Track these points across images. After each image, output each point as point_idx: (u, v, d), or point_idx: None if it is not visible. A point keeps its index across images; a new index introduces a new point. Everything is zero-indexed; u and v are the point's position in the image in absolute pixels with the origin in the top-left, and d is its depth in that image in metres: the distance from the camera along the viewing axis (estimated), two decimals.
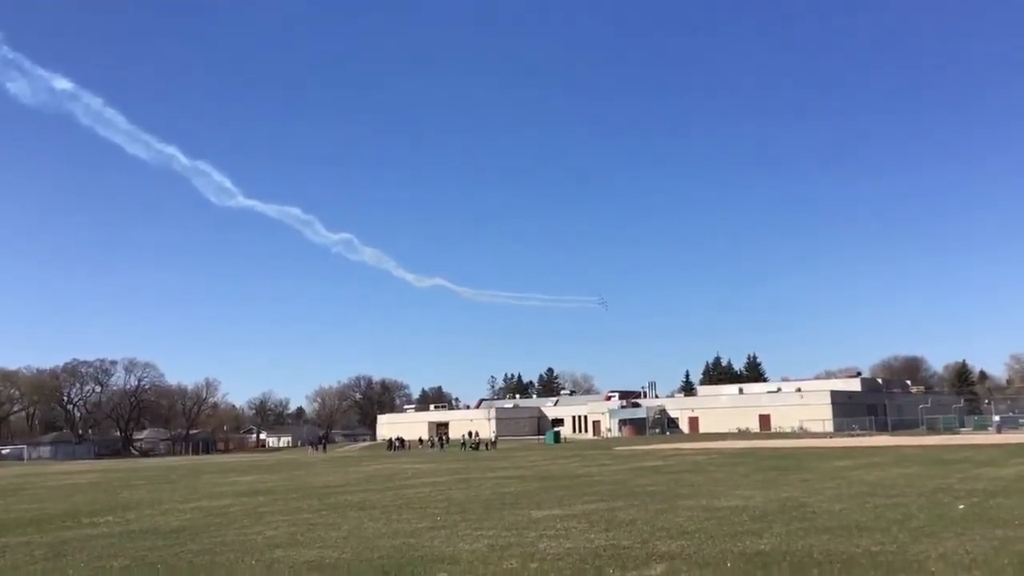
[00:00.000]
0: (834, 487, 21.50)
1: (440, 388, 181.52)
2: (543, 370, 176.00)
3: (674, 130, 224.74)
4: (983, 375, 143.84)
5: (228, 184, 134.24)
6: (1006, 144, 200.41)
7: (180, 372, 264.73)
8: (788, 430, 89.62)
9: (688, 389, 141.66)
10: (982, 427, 77.78)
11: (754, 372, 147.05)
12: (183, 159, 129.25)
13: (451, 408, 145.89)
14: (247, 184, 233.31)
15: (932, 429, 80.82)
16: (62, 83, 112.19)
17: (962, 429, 78.61)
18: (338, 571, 11.05)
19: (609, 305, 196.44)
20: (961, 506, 16.03)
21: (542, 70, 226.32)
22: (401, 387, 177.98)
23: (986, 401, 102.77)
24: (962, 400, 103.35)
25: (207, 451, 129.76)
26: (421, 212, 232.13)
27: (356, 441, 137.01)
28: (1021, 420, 77.56)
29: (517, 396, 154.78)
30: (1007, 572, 9.44)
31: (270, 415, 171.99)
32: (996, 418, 78.78)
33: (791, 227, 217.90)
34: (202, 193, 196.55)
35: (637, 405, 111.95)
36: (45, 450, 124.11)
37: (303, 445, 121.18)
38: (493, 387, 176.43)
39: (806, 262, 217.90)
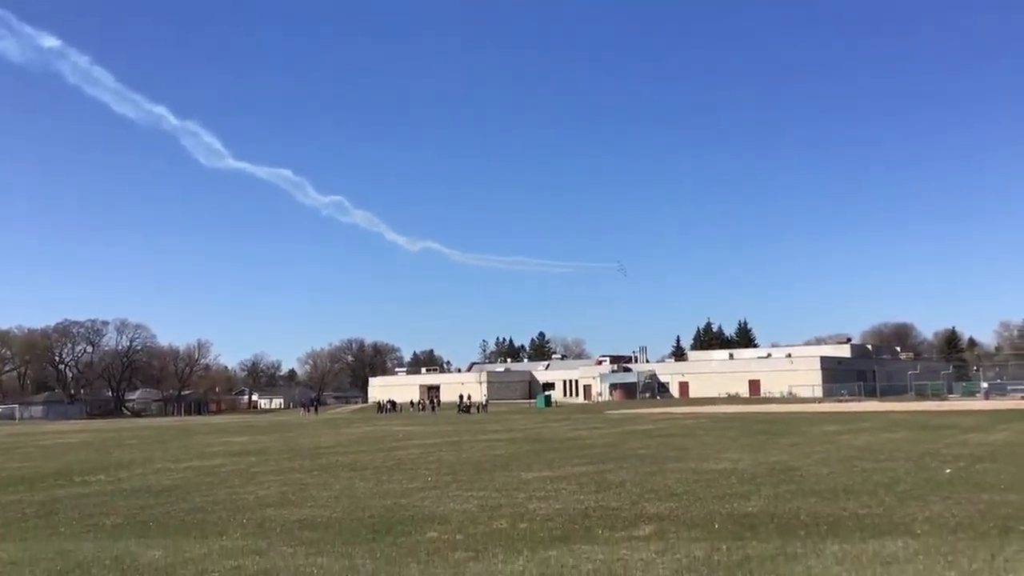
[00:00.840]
0: (822, 451, 21.65)
1: (432, 351, 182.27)
2: (535, 334, 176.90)
3: (664, 93, 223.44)
4: (972, 342, 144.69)
5: (218, 145, 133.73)
6: (996, 110, 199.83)
7: (172, 333, 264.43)
8: (778, 395, 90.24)
9: (679, 354, 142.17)
10: (970, 393, 78.37)
11: (745, 338, 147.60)
12: (172, 119, 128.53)
13: (442, 371, 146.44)
14: (238, 145, 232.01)
15: (920, 395, 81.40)
16: (50, 41, 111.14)
17: (950, 395, 79.20)
18: (329, 530, 11.11)
19: (627, 271, 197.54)
20: (948, 470, 16.17)
21: (537, 31, 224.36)
22: (393, 350, 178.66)
23: (975, 368, 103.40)
24: (951, 367, 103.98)
25: (199, 412, 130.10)
26: (414, 174, 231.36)
27: (347, 403, 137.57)
28: (1009, 387, 78.14)
29: (508, 360, 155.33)
30: (992, 535, 9.53)
31: (262, 377, 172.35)
32: (984, 384, 79.38)
33: (783, 194, 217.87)
34: (192, 154, 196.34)
35: (628, 370, 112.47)
36: (37, 410, 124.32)
37: (295, 407, 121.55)
38: (484, 351, 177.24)
39: (798, 229, 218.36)
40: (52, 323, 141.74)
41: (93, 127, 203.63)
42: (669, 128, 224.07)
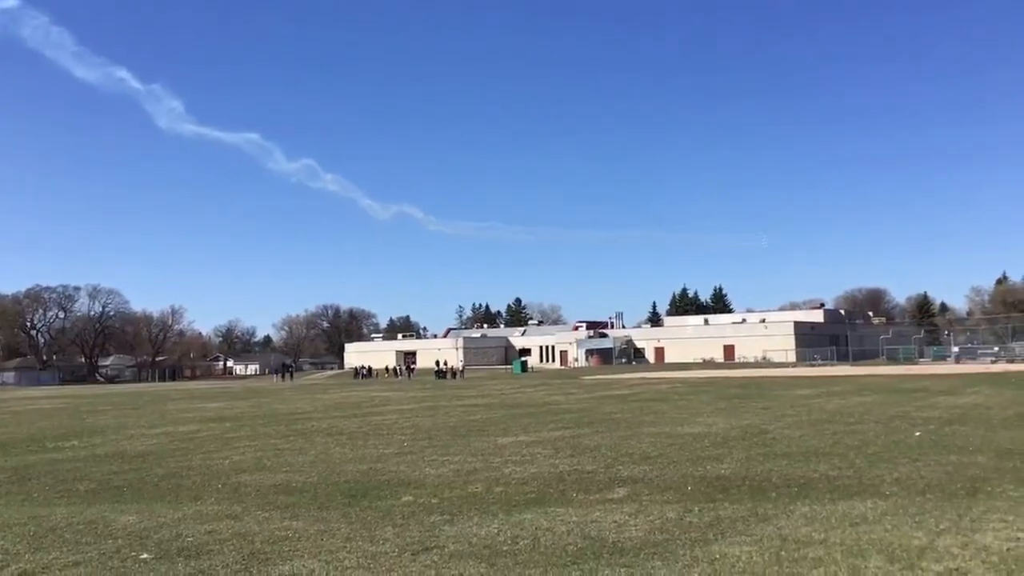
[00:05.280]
0: (794, 415, 21.89)
1: (408, 317, 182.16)
2: (511, 300, 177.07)
3: (647, 66, 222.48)
4: (944, 307, 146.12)
5: (182, 109, 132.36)
6: (968, 76, 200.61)
7: (145, 299, 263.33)
8: (752, 360, 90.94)
9: (655, 320, 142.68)
10: (941, 358, 79.20)
11: (720, 303, 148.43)
12: (135, 83, 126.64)
13: (419, 337, 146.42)
14: (205, 109, 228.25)
15: (892, 359, 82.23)
16: (7, 1, 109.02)
17: (921, 359, 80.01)
18: (304, 494, 11.13)
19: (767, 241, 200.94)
20: (917, 433, 16.39)
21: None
22: (369, 316, 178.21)
23: (946, 332, 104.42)
24: (922, 331, 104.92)
25: (173, 378, 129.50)
26: (387, 138, 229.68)
27: (323, 369, 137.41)
28: (979, 351, 79.09)
29: (485, 326, 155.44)
30: (959, 496, 9.69)
31: (237, 343, 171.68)
32: (955, 349, 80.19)
33: (758, 161, 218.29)
34: (157, 118, 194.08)
35: (604, 335, 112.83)
36: (9, 376, 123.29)
37: (270, 373, 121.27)
38: (461, 317, 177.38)
39: (773, 196, 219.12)
40: (23, 289, 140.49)
41: (56, 88, 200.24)
42: (646, 98, 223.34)
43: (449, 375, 77.52)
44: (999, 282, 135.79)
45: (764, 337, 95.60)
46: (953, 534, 7.84)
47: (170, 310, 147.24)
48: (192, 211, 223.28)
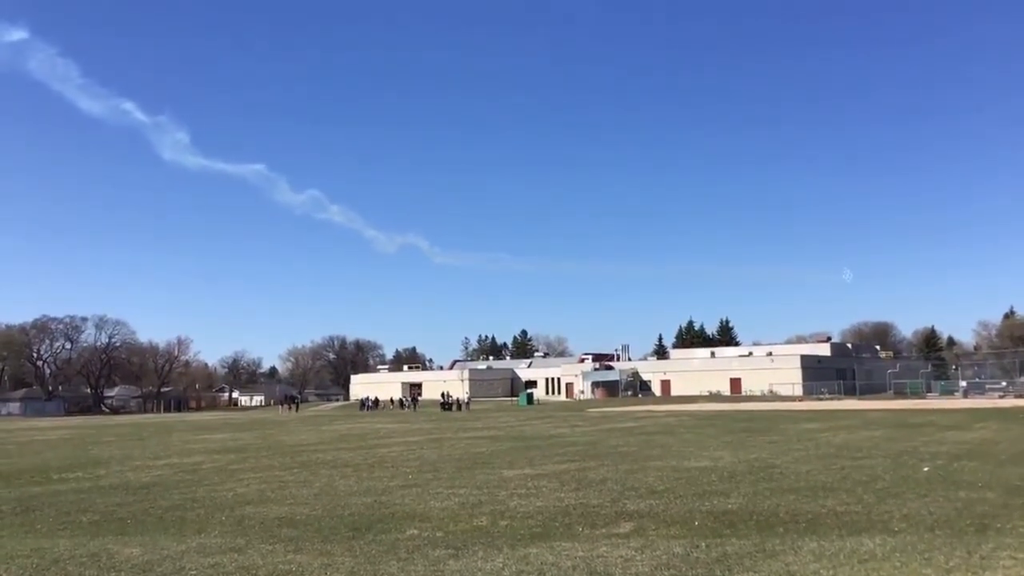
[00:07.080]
0: (801, 449, 21.76)
1: (414, 349, 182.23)
2: (517, 332, 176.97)
3: (650, 99, 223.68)
4: (951, 341, 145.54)
5: (188, 141, 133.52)
6: (977, 111, 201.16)
7: (152, 330, 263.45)
8: (758, 393, 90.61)
9: (661, 352, 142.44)
10: (949, 392, 78.83)
11: (726, 336, 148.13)
12: (141, 115, 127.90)
13: (425, 369, 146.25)
14: (211, 140, 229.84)
15: (900, 394, 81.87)
16: (18, 34, 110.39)
17: (929, 394, 79.65)
18: (308, 527, 11.07)
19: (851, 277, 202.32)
20: (926, 468, 16.28)
21: (524, 21, 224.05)
22: (375, 347, 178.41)
23: (953, 367, 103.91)
24: (930, 365, 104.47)
25: (179, 409, 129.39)
26: (391, 169, 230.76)
27: (329, 401, 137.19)
28: (987, 385, 78.69)
29: (491, 358, 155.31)
30: (969, 532, 9.60)
31: (243, 374, 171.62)
32: (963, 383, 79.89)
33: (764, 193, 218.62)
34: (165, 150, 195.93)
35: (610, 368, 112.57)
36: (14, 406, 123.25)
37: (276, 404, 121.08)
38: (467, 348, 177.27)
39: (779, 228, 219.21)
40: (30, 319, 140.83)
41: (62, 119, 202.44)
42: (653, 130, 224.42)
43: (455, 407, 77.27)
44: (1007, 316, 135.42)
45: (770, 370, 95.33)
46: (963, 571, 7.76)
47: (176, 341, 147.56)
48: (198, 242, 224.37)
